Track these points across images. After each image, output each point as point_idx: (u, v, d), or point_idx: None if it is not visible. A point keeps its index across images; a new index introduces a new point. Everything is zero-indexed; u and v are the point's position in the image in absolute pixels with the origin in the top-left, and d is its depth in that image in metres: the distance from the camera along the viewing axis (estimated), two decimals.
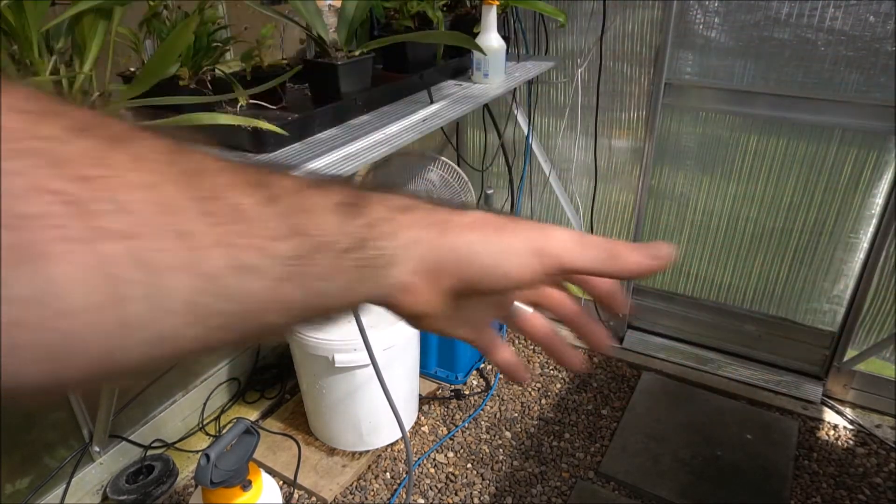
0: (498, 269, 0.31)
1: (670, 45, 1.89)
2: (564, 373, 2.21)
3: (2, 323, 0.18)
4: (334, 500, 1.72)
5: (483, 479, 1.79)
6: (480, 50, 1.53)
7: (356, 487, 1.76)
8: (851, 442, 1.90)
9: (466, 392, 2.12)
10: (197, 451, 1.85)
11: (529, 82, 2.14)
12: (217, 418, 1.96)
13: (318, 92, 1.40)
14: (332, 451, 1.85)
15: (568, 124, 2.16)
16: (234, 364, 2.05)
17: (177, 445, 1.86)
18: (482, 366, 2.25)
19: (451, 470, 1.82)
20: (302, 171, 0.27)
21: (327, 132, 1.32)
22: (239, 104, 1.35)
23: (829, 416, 1.99)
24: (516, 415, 2.02)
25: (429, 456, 1.87)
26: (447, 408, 2.05)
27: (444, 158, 1.95)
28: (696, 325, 2.27)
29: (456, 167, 1.93)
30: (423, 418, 2.01)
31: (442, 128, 2.02)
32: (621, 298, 0.37)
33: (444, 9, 1.76)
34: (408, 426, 1.96)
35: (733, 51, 1.84)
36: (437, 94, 1.60)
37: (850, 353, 2.00)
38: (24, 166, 0.18)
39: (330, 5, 1.55)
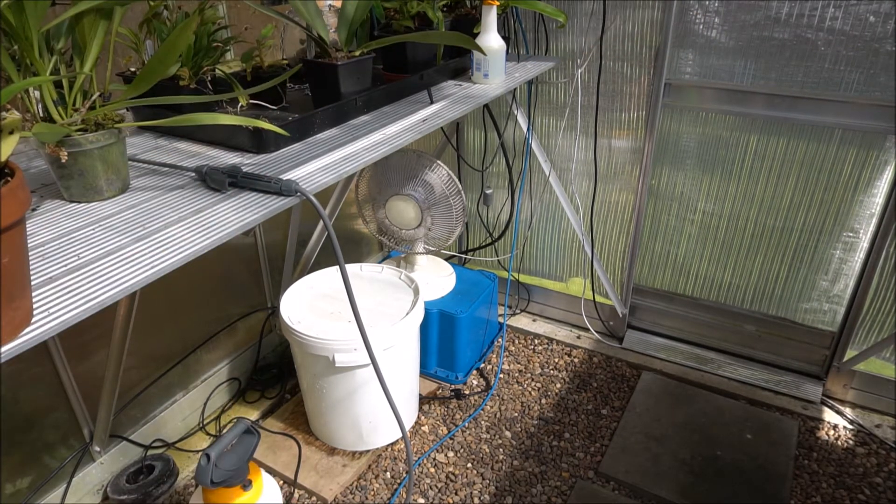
0: None
1: (670, 45, 1.89)
2: (564, 373, 2.21)
3: None
4: (334, 499, 1.72)
5: (483, 479, 1.79)
6: (480, 50, 1.53)
7: (356, 487, 1.76)
8: (851, 442, 1.90)
9: (466, 392, 2.12)
10: (197, 451, 1.85)
11: (529, 82, 2.14)
12: (217, 418, 1.96)
13: (319, 92, 1.40)
14: (332, 451, 1.85)
15: (568, 124, 2.16)
16: (234, 364, 2.05)
17: (177, 445, 1.86)
18: (482, 366, 2.25)
19: (451, 470, 1.82)
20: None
21: (327, 132, 1.32)
22: (239, 104, 1.35)
23: (829, 415, 1.99)
24: (516, 415, 2.02)
25: (429, 456, 1.87)
26: (447, 408, 2.06)
27: (439, 162, 1.95)
28: (696, 325, 2.27)
29: (450, 172, 1.93)
30: (423, 418, 2.01)
31: (442, 128, 2.03)
32: None
33: (445, 9, 1.76)
34: (408, 426, 1.96)
35: (733, 51, 1.84)
36: (437, 94, 1.60)
37: (850, 353, 2.01)
38: None
39: (330, 5, 1.55)
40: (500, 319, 2.44)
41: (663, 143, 2.05)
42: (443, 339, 2.09)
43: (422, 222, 1.99)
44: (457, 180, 1.93)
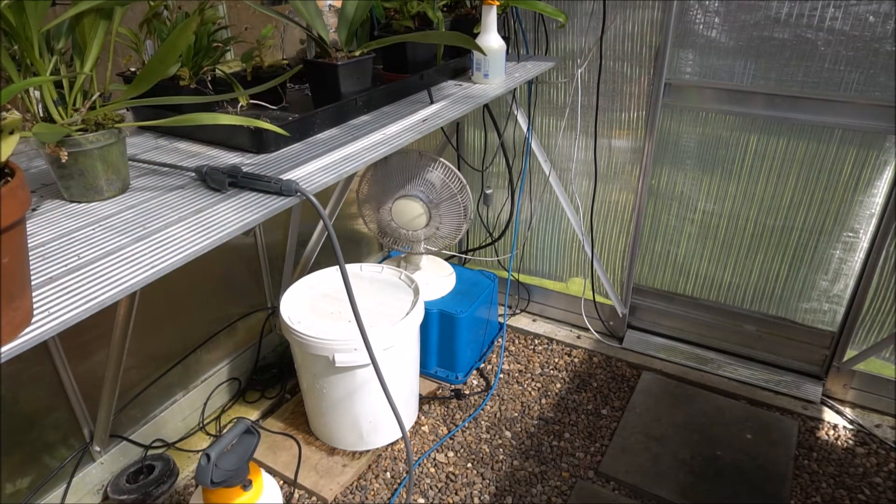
0: None
1: (670, 45, 1.89)
2: (564, 373, 2.21)
3: None
4: (334, 499, 1.72)
5: (483, 479, 1.79)
6: (480, 50, 1.53)
7: (356, 487, 1.76)
8: (851, 442, 1.90)
9: (466, 392, 2.12)
10: (197, 451, 1.85)
11: (529, 82, 2.14)
12: (217, 418, 1.96)
13: (319, 92, 1.40)
14: (332, 451, 1.85)
15: (568, 124, 2.16)
16: (234, 364, 2.05)
17: (177, 445, 1.86)
18: (482, 366, 2.25)
19: (451, 470, 1.82)
20: None
21: (327, 132, 1.32)
22: (239, 104, 1.35)
23: (829, 415, 1.99)
24: (516, 415, 2.02)
25: (429, 456, 1.87)
26: (447, 408, 2.06)
27: (442, 160, 1.95)
28: (696, 325, 2.27)
29: (454, 169, 1.94)
30: (423, 418, 2.01)
31: (442, 128, 2.03)
32: None
33: (445, 9, 1.76)
34: (408, 426, 1.96)
35: (733, 51, 1.84)
36: (437, 94, 1.60)
37: (850, 353, 2.01)
38: None
39: (330, 5, 1.55)
40: (500, 319, 2.44)
41: (663, 143, 2.05)
42: (443, 339, 2.09)
43: (430, 221, 1.99)
44: (461, 176, 1.93)
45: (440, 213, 1.98)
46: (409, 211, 1.99)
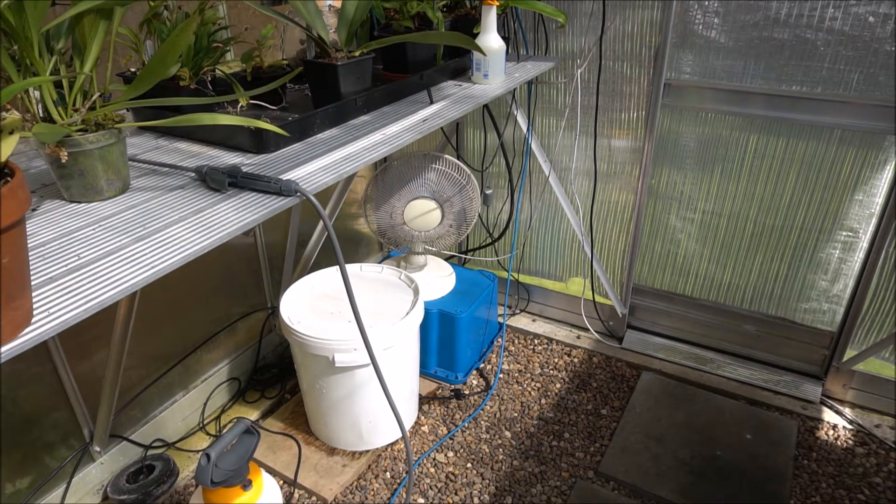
0: None
1: (670, 46, 1.89)
2: (564, 373, 2.21)
3: None
4: (334, 499, 1.72)
5: (483, 479, 1.79)
6: (480, 50, 1.53)
7: (356, 487, 1.76)
8: (851, 442, 1.90)
9: (466, 392, 2.12)
10: (197, 451, 1.85)
11: (529, 82, 2.14)
12: (217, 418, 1.97)
13: (319, 92, 1.40)
14: (332, 451, 1.85)
15: (567, 124, 2.16)
16: (234, 364, 2.05)
17: (177, 445, 1.86)
18: (482, 366, 2.25)
19: (450, 469, 1.82)
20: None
21: (327, 132, 1.32)
22: (239, 104, 1.35)
23: (829, 415, 1.99)
24: (516, 415, 2.02)
25: (429, 456, 1.87)
26: (447, 408, 2.06)
27: (445, 156, 1.95)
28: (696, 325, 2.27)
29: (458, 161, 1.94)
30: (423, 418, 2.01)
31: (442, 128, 2.03)
32: None
33: (444, 9, 1.76)
34: (408, 426, 1.96)
35: (733, 51, 1.84)
36: (436, 94, 1.60)
37: (850, 353, 2.01)
38: None
39: (330, 6, 1.55)
40: (500, 319, 2.44)
41: (663, 143, 2.05)
42: (443, 339, 2.09)
43: (443, 218, 1.99)
44: (466, 168, 1.94)
45: (454, 210, 1.99)
46: (423, 211, 2.00)
